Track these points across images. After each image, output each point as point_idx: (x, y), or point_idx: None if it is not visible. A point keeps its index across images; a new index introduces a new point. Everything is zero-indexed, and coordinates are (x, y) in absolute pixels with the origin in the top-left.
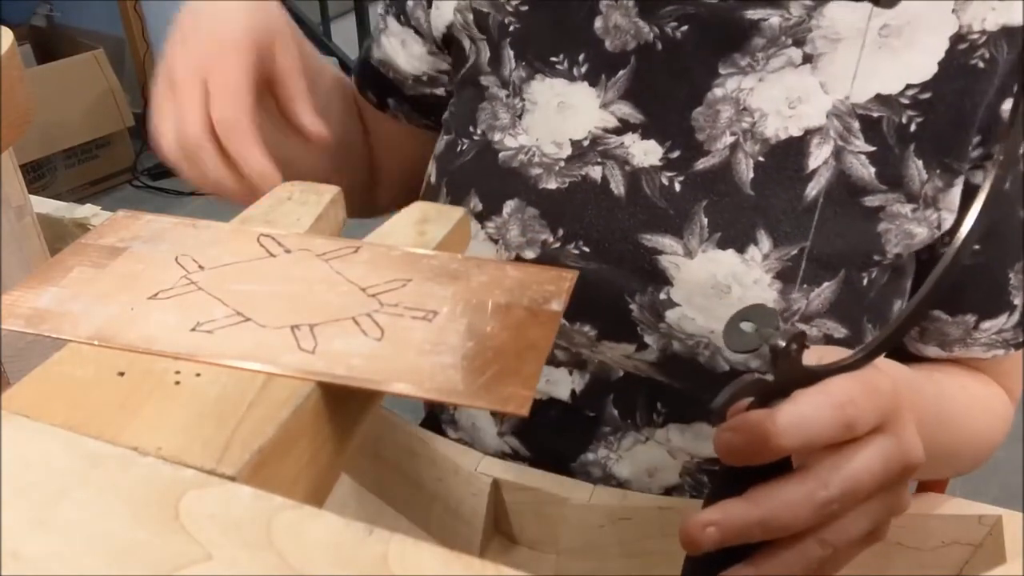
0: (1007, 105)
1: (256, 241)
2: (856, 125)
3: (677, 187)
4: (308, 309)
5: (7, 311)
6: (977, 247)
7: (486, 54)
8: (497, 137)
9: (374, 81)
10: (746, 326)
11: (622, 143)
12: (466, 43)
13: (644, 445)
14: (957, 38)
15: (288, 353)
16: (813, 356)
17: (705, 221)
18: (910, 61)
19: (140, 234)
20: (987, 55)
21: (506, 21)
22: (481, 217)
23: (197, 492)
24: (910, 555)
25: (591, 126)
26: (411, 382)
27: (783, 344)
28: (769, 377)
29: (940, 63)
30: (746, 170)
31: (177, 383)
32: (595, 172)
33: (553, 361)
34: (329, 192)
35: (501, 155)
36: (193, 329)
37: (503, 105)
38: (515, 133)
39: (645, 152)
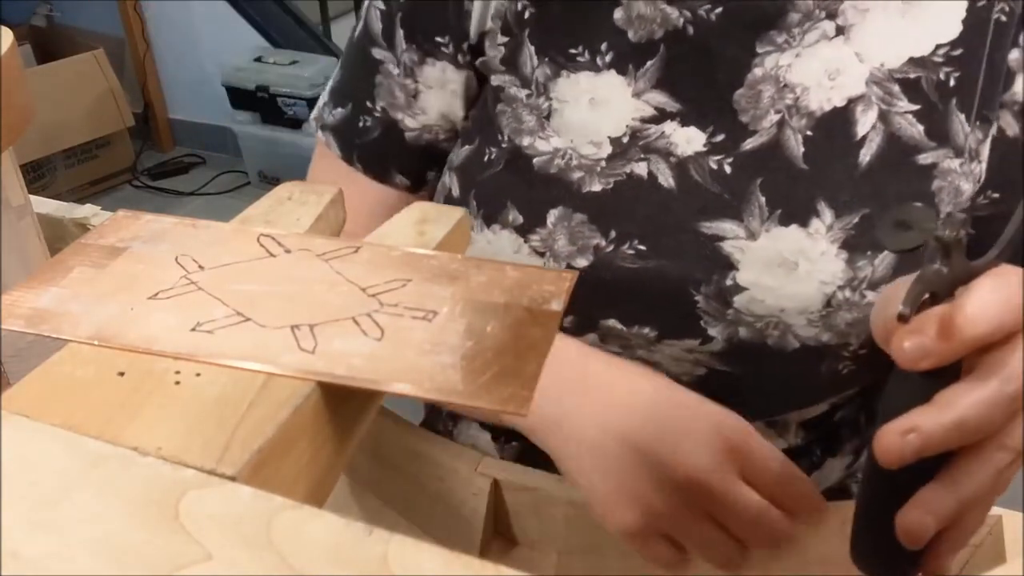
0: (1014, 55)
1: (256, 241)
2: (896, 88)
3: (728, 169)
4: (308, 309)
5: (7, 311)
6: None
7: (500, 51)
8: (526, 142)
9: (407, 162)
10: (904, 218)
11: (662, 132)
12: (487, 42)
13: None
14: None
15: (288, 353)
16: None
17: (763, 200)
18: (935, 23)
19: (140, 234)
20: (1007, 8)
21: (519, 7)
22: (523, 231)
23: (197, 492)
24: None
25: (627, 119)
26: (411, 382)
27: (952, 234)
28: (944, 269)
29: (963, 21)
30: (796, 145)
31: (177, 383)
32: (640, 168)
33: None
34: (329, 192)
35: (536, 161)
36: (193, 329)
37: (525, 107)
38: (545, 136)
39: (688, 140)
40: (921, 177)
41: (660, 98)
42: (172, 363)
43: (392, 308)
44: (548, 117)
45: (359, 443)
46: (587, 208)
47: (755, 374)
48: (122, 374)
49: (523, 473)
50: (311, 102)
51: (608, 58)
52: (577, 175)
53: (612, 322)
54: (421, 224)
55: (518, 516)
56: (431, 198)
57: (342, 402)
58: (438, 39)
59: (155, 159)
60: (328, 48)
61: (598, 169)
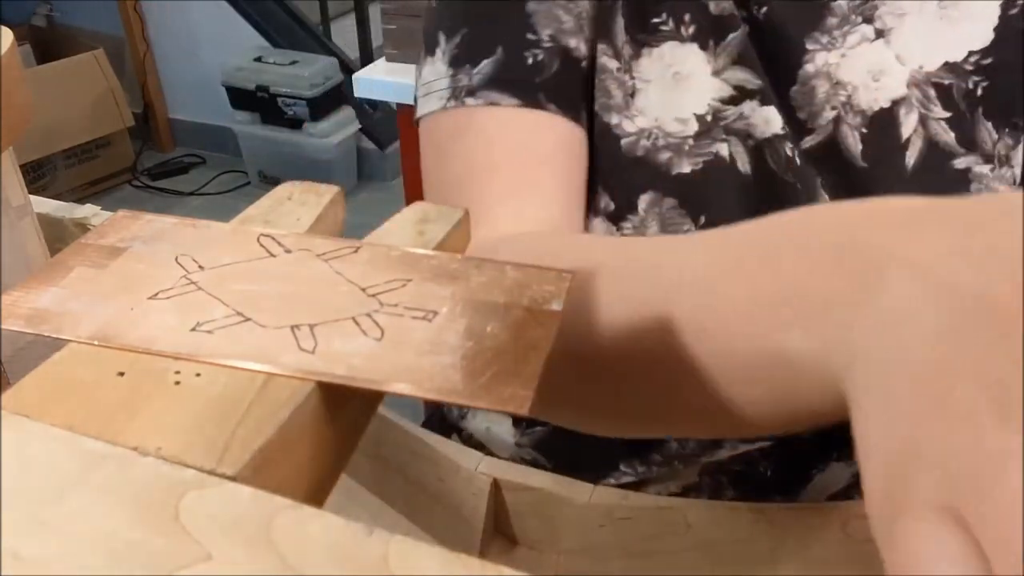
0: None
1: (256, 241)
2: (932, 93)
3: (799, 160)
4: (308, 309)
5: (7, 311)
6: None
7: (592, 13)
8: (615, 120)
9: (586, 93)
10: None
11: (741, 113)
12: None
13: (687, 470)
14: (1008, 4)
15: (288, 353)
16: None
17: (826, 197)
18: (969, 30)
19: (140, 234)
20: None
21: None
22: (615, 218)
23: (197, 492)
24: None
25: (708, 98)
26: (411, 382)
27: None
28: None
29: (995, 29)
30: (855, 142)
31: (177, 383)
32: (723, 150)
33: None
34: (329, 192)
35: (623, 142)
36: (193, 329)
37: (614, 79)
38: (631, 115)
39: (767, 120)
40: (958, 181)
41: (741, 75)
42: (172, 363)
43: (392, 308)
44: (632, 95)
45: (359, 443)
46: (678, 191)
47: (817, 453)
48: (122, 374)
49: (523, 473)
50: (311, 102)
51: (691, 30)
52: (665, 156)
53: None
54: (421, 224)
55: (518, 516)
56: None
57: (342, 402)
58: None
59: (155, 159)
60: (328, 48)
61: (686, 148)
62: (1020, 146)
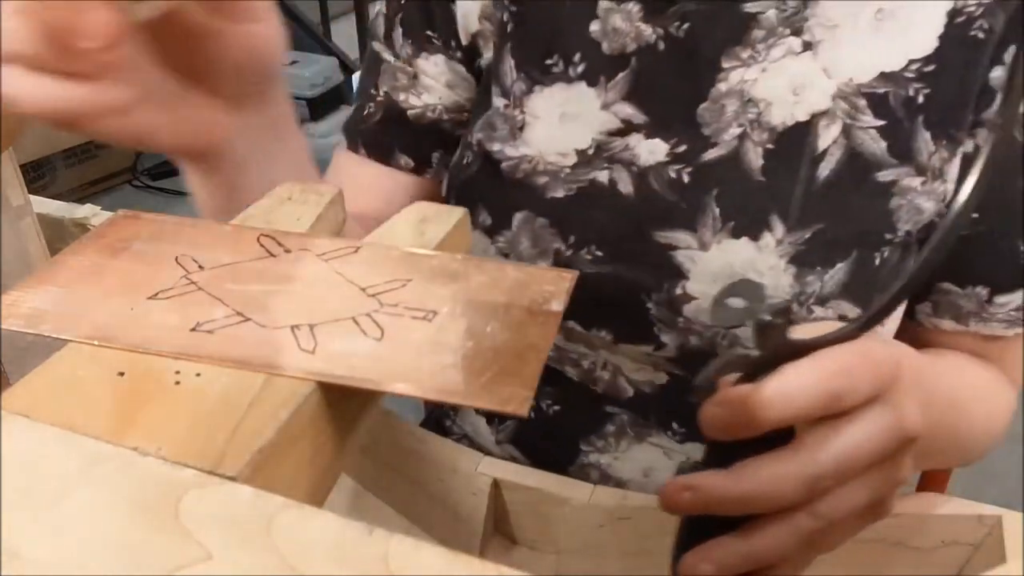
0: (995, 73)
1: (256, 241)
2: (863, 102)
3: (686, 179)
4: (308, 309)
5: (7, 311)
6: (977, 216)
7: (488, 57)
8: (497, 147)
9: (410, 142)
10: (734, 302)
11: (627, 145)
12: (480, 42)
13: (640, 445)
14: (954, 12)
15: (288, 353)
16: (812, 333)
17: (717, 211)
18: (910, 39)
19: (140, 234)
20: (986, 25)
21: (505, 18)
22: (491, 232)
23: (197, 492)
24: (910, 555)
25: (594, 132)
26: (411, 382)
27: (767, 318)
28: (754, 352)
29: (940, 37)
30: (755, 158)
31: (177, 383)
32: (602, 176)
33: (561, 382)
34: (329, 192)
35: (504, 166)
36: (193, 329)
37: (500, 115)
38: (515, 145)
39: (650, 151)
40: (879, 194)
41: (628, 110)
42: (172, 363)
43: (392, 308)
44: (521, 129)
45: (359, 443)
46: (549, 213)
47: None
48: (122, 374)
49: (523, 473)
50: (311, 102)
51: (580, 69)
52: (542, 180)
53: (572, 323)
54: (421, 224)
55: (518, 516)
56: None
57: (342, 402)
58: (429, 33)
59: (155, 159)
60: (328, 48)
61: (562, 175)
62: (956, 160)
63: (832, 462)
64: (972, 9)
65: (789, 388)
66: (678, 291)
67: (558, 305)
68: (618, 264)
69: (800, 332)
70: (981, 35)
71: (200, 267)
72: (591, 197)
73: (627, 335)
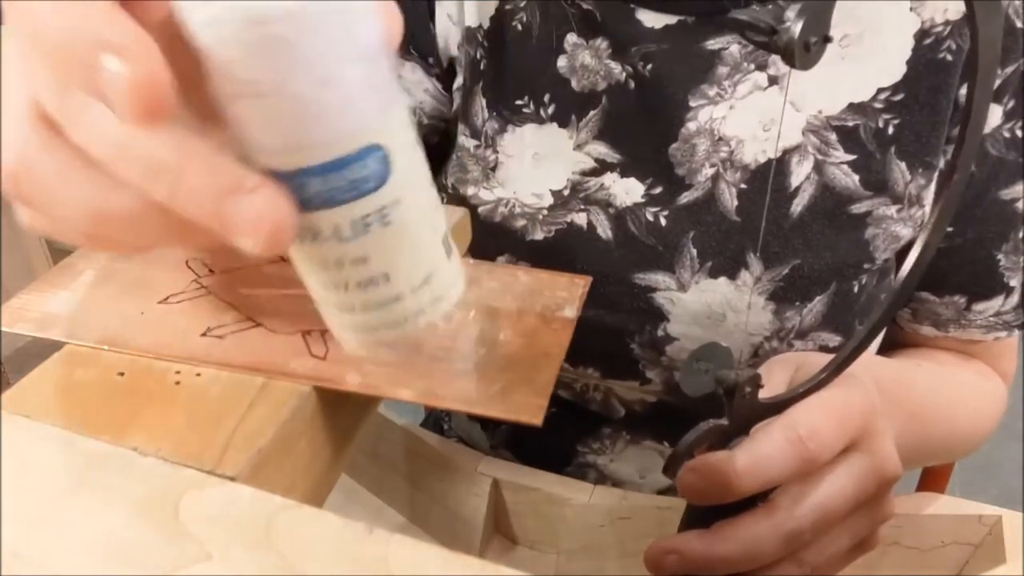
0: (964, 90)
1: None
2: (833, 137)
3: (663, 221)
4: (319, 315)
5: (17, 314)
6: (951, 229)
7: (457, 100)
8: (471, 191)
9: None
10: (701, 366)
11: (602, 184)
12: (458, 68)
13: (636, 447)
14: (921, 34)
15: (299, 359)
16: (791, 364)
17: (694, 252)
18: (878, 65)
19: None
20: (953, 46)
21: (477, 55)
22: None
23: (197, 492)
24: (909, 555)
25: (568, 172)
26: (424, 389)
27: (734, 386)
28: (724, 421)
29: (908, 62)
30: (730, 199)
31: (177, 383)
32: (580, 219)
33: (555, 402)
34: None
35: (481, 211)
36: (204, 334)
37: (472, 157)
38: (489, 187)
39: (627, 191)
40: (853, 226)
41: (601, 149)
42: (172, 363)
43: None
44: (494, 169)
45: (359, 443)
46: (531, 256)
47: (697, 406)
48: (122, 374)
49: (523, 473)
50: None
51: (551, 110)
52: (520, 223)
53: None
54: None
55: (518, 516)
56: None
57: (341, 403)
58: (411, 49)
59: None
60: None
61: (540, 218)
62: (932, 185)
63: (809, 516)
64: (940, 29)
65: (760, 459)
66: (660, 333)
67: (571, 312)
68: (600, 308)
69: (777, 367)
70: (950, 57)
71: (211, 271)
72: (571, 239)
73: (614, 372)
